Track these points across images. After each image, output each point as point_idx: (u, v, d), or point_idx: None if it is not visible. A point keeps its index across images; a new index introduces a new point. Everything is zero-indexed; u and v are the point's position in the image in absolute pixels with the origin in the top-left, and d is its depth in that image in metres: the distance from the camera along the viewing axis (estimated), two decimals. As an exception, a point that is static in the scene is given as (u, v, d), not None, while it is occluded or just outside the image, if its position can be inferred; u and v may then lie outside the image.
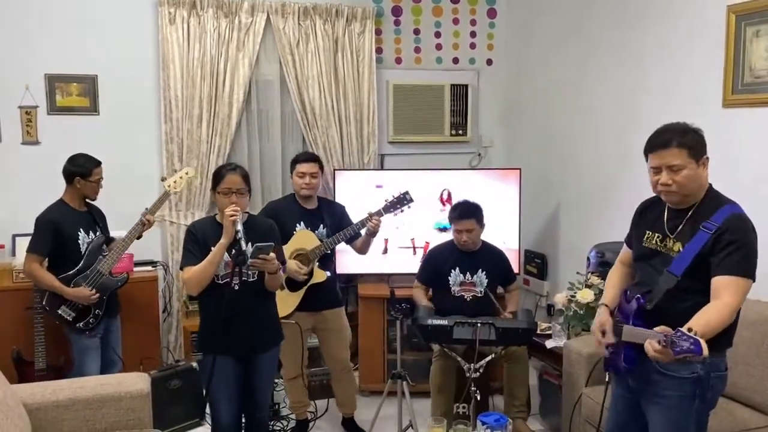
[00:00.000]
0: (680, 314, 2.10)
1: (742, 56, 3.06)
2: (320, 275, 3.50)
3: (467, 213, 3.58)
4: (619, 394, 2.48)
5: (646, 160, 2.25)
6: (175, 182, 3.65)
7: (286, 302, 3.45)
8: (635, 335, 2.18)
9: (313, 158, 3.61)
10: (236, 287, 2.76)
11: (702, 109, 3.25)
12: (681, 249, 2.19)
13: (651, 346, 2.01)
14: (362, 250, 3.66)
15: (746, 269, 2.10)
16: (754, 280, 2.12)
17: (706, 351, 1.87)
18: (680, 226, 2.23)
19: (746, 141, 3.07)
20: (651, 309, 2.20)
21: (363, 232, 3.53)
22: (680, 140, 2.16)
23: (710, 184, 2.26)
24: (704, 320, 2.02)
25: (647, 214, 2.40)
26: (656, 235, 2.32)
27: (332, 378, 3.77)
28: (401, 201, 3.47)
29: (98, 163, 3.41)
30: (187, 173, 3.71)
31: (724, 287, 2.08)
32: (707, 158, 2.20)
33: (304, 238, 3.49)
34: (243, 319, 2.77)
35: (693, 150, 2.16)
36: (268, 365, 2.98)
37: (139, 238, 3.53)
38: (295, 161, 3.59)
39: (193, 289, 2.80)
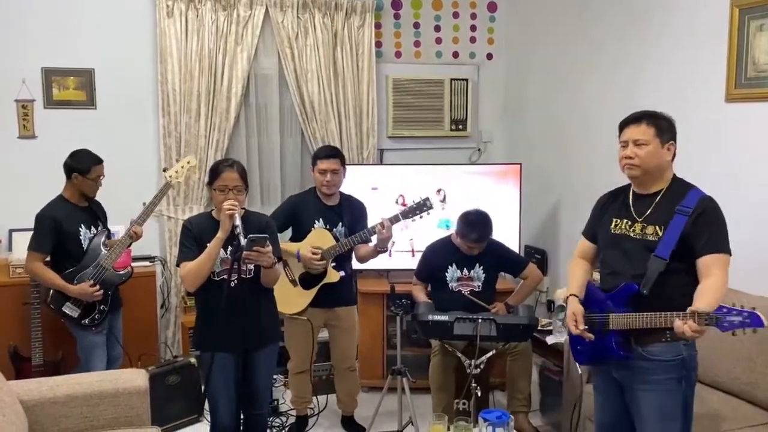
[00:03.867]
0: (667, 295, 2.25)
1: (745, 50, 3.04)
2: (334, 276, 3.44)
3: (483, 236, 3.51)
4: (605, 387, 2.52)
5: (620, 138, 2.40)
6: (176, 172, 3.59)
7: (298, 300, 3.43)
8: (628, 322, 2.29)
9: (335, 154, 3.48)
10: (233, 284, 2.74)
11: (705, 104, 3.23)
12: (659, 232, 2.30)
13: (688, 327, 2.10)
14: (363, 258, 3.58)
15: (726, 246, 2.26)
16: (731, 255, 2.27)
17: (766, 321, 2.01)
18: (649, 210, 2.35)
19: (749, 135, 3.05)
20: (647, 293, 2.28)
21: (374, 239, 3.45)
22: (650, 120, 2.33)
23: (674, 174, 2.39)
24: (713, 300, 2.13)
25: (612, 205, 2.51)
26: (624, 221, 2.42)
27: (336, 375, 3.74)
28: (420, 207, 3.40)
29: (99, 161, 3.33)
30: (189, 162, 3.63)
31: (712, 264, 2.22)
32: (673, 145, 2.34)
33: (320, 237, 3.43)
34: (239, 316, 2.72)
35: (660, 131, 2.31)
36: (266, 363, 2.95)
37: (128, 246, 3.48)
38: (317, 157, 3.47)
39: (190, 284, 2.77)
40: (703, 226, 2.24)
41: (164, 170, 3.85)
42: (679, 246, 2.25)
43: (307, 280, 3.44)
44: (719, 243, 2.24)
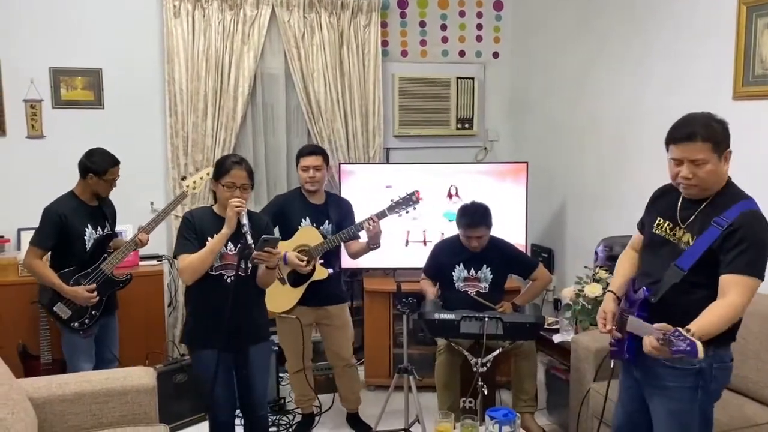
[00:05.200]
0: (685, 308, 2.11)
1: (752, 48, 3.03)
2: (322, 272, 3.46)
3: (478, 221, 3.51)
4: (626, 386, 2.49)
5: (667, 150, 2.19)
6: (194, 182, 3.56)
7: (287, 297, 3.45)
8: (637, 327, 2.18)
9: (317, 151, 3.53)
10: (229, 280, 2.75)
11: (712, 102, 3.20)
12: (690, 241, 2.17)
13: (649, 343, 2.01)
14: (355, 255, 3.61)
15: (755, 269, 2.06)
16: (762, 280, 2.09)
17: (701, 354, 1.86)
18: (692, 217, 2.20)
19: (757, 133, 3.04)
20: (656, 302, 2.20)
21: (363, 235, 3.47)
22: (705, 134, 2.09)
23: (729, 178, 2.21)
24: (707, 321, 2.02)
25: (661, 200, 2.37)
26: (667, 223, 2.29)
27: (335, 374, 3.75)
28: (407, 201, 3.40)
29: (115, 163, 3.27)
30: (208, 174, 3.61)
31: (731, 286, 2.05)
32: (730, 152, 2.14)
33: (307, 235, 3.46)
34: (232, 313, 2.68)
35: (717, 144, 2.10)
36: (260, 361, 2.91)
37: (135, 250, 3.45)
38: (299, 155, 3.54)
39: (188, 278, 2.74)
40: (733, 243, 2.05)
41: (182, 179, 3.81)
42: (705, 259, 2.10)
43: (296, 277, 3.45)
44: (747, 264, 2.04)
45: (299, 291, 3.46)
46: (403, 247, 4.33)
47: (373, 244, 3.47)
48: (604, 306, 2.41)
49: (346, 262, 3.94)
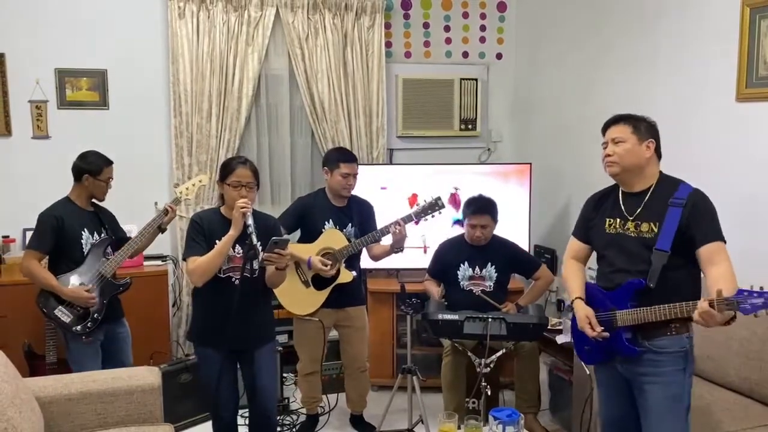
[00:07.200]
0: (672, 287, 2.29)
1: (756, 49, 3.03)
2: (347, 276, 3.46)
3: (483, 208, 3.56)
4: (610, 383, 2.55)
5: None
6: (187, 189, 3.56)
7: (311, 300, 3.44)
8: (638, 317, 2.32)
9: (355, 158, 3.53)
10: (236, 282, 2.76)
11: (715, 103, 3.23)
12: (654, 228, 2.33)
13: (702, 311, 2.08)
14: (377, 257, 3.62)
15: (722, 234, 2.30)
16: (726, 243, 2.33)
17: None
18: (640, 208, 2.39)
19: (760, 135, 3.04)
20: (654, 287, 2.30)
21: (385, 239, 3.47)
22: (627, 120, 2.42)
23: (661, 171, 2.44)
24: (731, 287, 2.14)
25: (602, 205, 2.54)
26: (617, 220, 2.45)
27: (347, 375, 3.75)
28: (432, 207, 3.42)
29: (109, 162, 3.28)
30: (200, 181, 3.63)
31: (715, 253, 2.26)
32: (653, 143, 2.39)
33: (332, 237, 3.46)
34: (240, 314, 2.70)
35: (636, 129, 2.39)
36: (267, 361, 2.92)
37: (162, 231, 3.44)
38: (338, 160, 3.47)
39: (197, 280, 2.75)
40: (699, 217, 2.28)
41: (175, 185, 3.83)
42: (678, 238, 2.28)
43: (320, 280, 3.45)
44: (717, 232, 2.28)
45: (323, 294, 3.45)
46: (408, 248, 4.32)
47: (398, 247, 3.48)
48: (584, 312, 2.47)
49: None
